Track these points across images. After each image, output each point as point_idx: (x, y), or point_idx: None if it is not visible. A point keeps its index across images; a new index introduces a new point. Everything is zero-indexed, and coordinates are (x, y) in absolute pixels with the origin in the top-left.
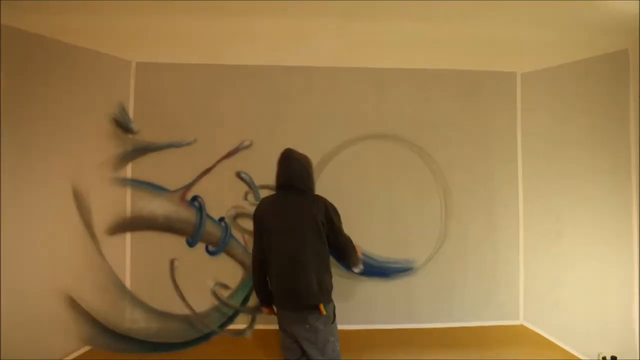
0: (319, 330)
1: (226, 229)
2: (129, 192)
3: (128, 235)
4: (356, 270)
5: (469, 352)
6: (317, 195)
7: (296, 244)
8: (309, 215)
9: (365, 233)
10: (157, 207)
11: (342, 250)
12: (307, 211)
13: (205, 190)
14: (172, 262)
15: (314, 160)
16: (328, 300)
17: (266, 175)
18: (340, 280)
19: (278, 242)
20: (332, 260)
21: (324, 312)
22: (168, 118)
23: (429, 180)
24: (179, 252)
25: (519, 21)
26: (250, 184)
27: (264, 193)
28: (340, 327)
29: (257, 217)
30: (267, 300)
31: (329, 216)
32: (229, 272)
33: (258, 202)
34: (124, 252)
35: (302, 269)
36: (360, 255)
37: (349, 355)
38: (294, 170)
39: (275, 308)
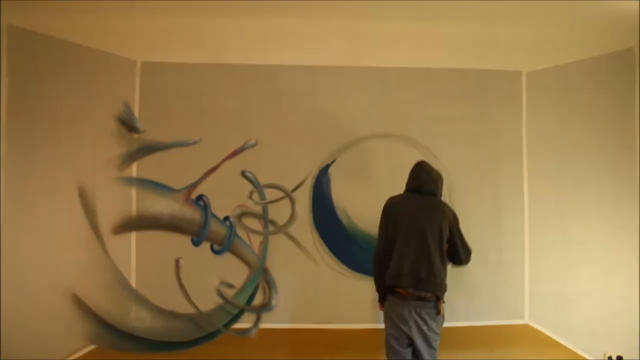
0: (433, 330)
1: (231, 228)
2: (134, 191)
3: (133, 234)
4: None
5: (474, 351)
6: (445, 202)
7: (425, 235)
8: (437, 216)
9: (370, 232)
10: (163, 206)
11: (461, 252)
12: (436, 211)
13: (211, 189)
14: (177, 261)
15: (317, 159)
16: (443, 300)
17: (271, 174)
18: (345, 279)
19: (408, 229)
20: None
21: (441, 312)
22: (173, 117)
23: None
24: (184, 251)
25: (524, 20)
26: (255, 183)
27: (269, 192)
28: (344, 326)
29: (387, 208)
30: (385, 296)
31: (454, 222)
32: (234, 271)
33: (390, 197)
34: (130, 251)
35: (429, 259)
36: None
37: (353, 354)
38: (425, 176)
39: (389, 301)
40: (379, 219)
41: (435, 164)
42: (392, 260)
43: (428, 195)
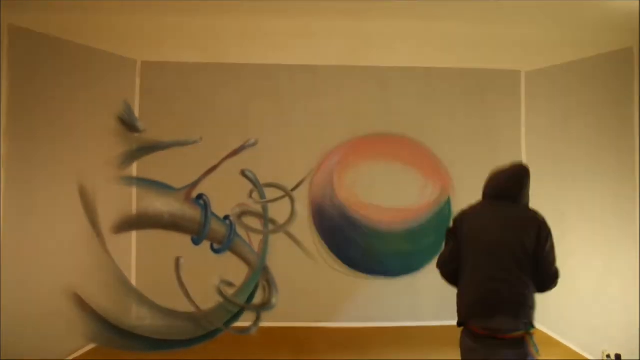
0: None
1: (231, 227)
2: (134, 190)
3: (134, 234)
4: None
5: None
6: (534, 212)
7: (501, 255)
8: (517, 228)
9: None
10: (163, 205)
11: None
12: (517, 222)
13: (211, 188)
14: (177, 260)
15: (318, 157)
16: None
17: (271, 173)
18: (345, 278)
19: (481, 257)
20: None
21: (532, 349)
22: (173, 117)
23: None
24: (185, 250)
25: (523, 20)
26: (255, 182)
27: (269, 191)
28: (345, 324)
29: (455, 225)
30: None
31: (541, 241)
32: (234, 270)
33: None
34: (130, 250)
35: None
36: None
37: (353, 353)
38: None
39: (463, 344)
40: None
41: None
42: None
43: (508, 204)
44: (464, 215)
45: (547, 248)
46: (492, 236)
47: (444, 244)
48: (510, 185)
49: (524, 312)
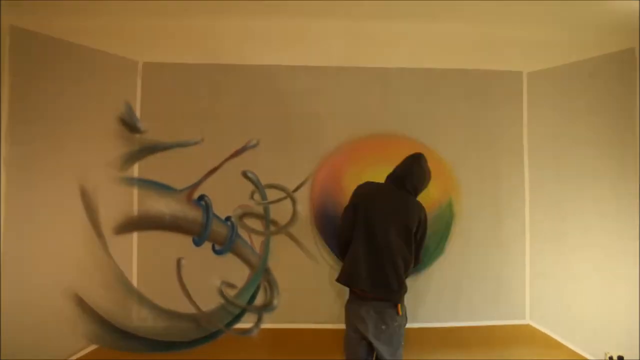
0: (395, 332)
1: (232, 228)
2: (135, 191)
3: (135, 235)
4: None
5: (475, 352)
6: (419, 202)
7: (389, 234)
8: (409, 216)
9: None
10: (164, 206)
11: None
12: (410, 212)
13: (212, 189)
14: (178, 261)
15: (319, 158)
16: (403, 301)
17: (272, 174)
18: None
19: (374, 225)
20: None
21: (400, 313)
22: (175, 118)
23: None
24: (186, 251)
25: (525, 21)
26: (256, 183)
27: (270, 192)
28: (344, 326)
29: (358, 195)
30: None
31: (421, 225)
32: (236, 271)
33: (363, 183)
34: (131, 251)
35: (391, 260)
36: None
37: None
38: (414, 172)
39: (349, 300)
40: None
41: (439, 164)
42: (349, 256)
43: (406, 191)
44: (367, 191)
45: (424, 233)
46: (386, 218)
47: None
48: (420, 178)
49: (399, 288)
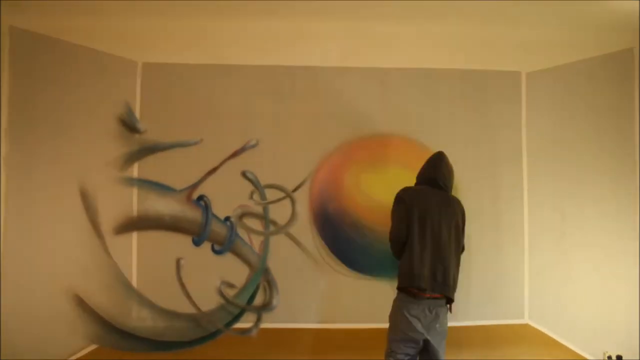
0: (445, 330)
1: (232, 228)
2: (135, 191)
3: (134, 235)
4: None
5: (474, 351)
6: (457, 198)
7: (442, 234)
8: (454, 212)
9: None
10: (164, 206)
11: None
12: (453, 207)
13: (211, 189)
14: (178, 261)
15: (319, 158)
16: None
17: (272, 174)
18: (346, 279)
19: (430, 224)
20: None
21: (452, 311)
22: (174, 118)
23: None
24: (185, 251)
25: (523, 20)
26: (256, 183)
27: (270, 192)
28: (346, 326)
29: (403, 199)
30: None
31: (464, 219)
32: (235, 271)
33: (403, 187)
34: (131, 251)
35: (446, 260)
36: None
37: (355, 354)
38: (445, 167)
39: (397, 306)
40: (392, 209)
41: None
42: (406, 258)
43: (442, 189)
44: (411, 193)
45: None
46: (435, 217)
47: None
48: (447, 175)
49: (454, 285)
